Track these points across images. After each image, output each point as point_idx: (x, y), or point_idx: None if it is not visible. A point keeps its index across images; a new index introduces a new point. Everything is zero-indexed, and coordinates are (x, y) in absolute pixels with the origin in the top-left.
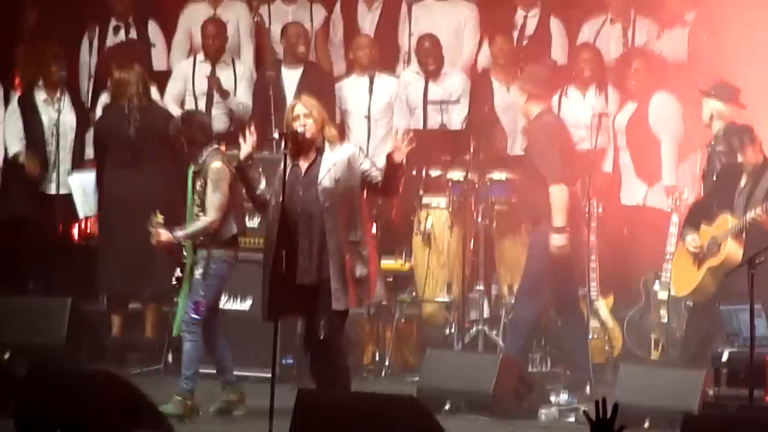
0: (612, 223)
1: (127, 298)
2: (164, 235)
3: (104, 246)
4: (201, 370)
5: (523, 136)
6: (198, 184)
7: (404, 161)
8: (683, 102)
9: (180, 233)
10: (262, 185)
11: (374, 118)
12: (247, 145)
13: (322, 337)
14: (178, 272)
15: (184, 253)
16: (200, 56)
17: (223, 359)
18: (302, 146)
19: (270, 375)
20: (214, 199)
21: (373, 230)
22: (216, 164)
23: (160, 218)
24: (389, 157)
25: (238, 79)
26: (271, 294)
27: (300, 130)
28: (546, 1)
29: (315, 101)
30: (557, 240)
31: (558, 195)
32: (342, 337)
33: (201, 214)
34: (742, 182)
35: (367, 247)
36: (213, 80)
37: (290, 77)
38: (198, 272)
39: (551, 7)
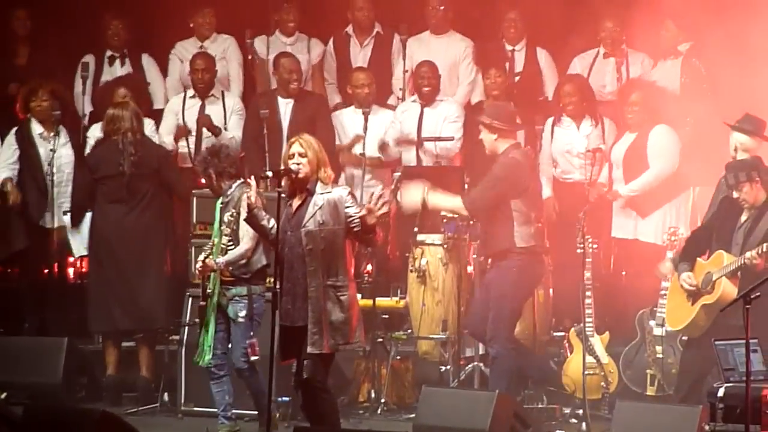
0: (606, 259)
1: (119, 336)
2: (208, 260)
3: (96, 283)
4: (198, 408)
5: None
6: (227, 215)
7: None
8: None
9: (221, 260)
10: (272, 224)
11: (368, 155)
12: (252, 190)
13: (305, 377)
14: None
15: (208, 285)
16: (190, 91)
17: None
18: (295, 185)
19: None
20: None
21: (369, 268)
22: (248, 189)
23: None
24: (362, 219)
25: (228, 113)
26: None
27: (293, 168)
28: (531, 35)
29: (314, 140)
30: None
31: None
32: (327, 377)
33: (231, 245)
34: (743, 218)
35: (347, 291)
36: (203, 119)
37: (286, 107)
38: (242, 314)
39: (537, 41)
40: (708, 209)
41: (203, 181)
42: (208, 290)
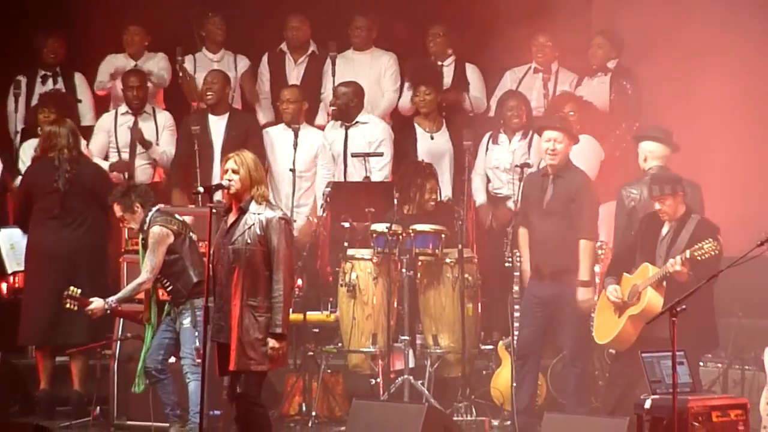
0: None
1: (52, 350)
2: (96, 307)
3: (29, 298)
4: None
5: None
6: (143, 239)
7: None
8: (603, 147)
9: (113, 300)
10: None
11: (299, 171)
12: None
13: (239, 392)
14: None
15: (150, 312)
16: (122, 108)
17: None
18: (229, 201)
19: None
20: (149, 261)
21: (299, 282)
22: (155, 229)
23: (76, 292)
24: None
25: (160, 129)
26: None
27: (224, 183)
28: (458, 50)
29: (250, 158)
30: None
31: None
32: (260, 391)
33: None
34: (664, 231)
35: (265, 314)
36: (136, 131)
37: (218, 125)
38: (186, 321)
39: (464, 55)
40: (615, 225)
41: (127, 222)
42: (147, 319)
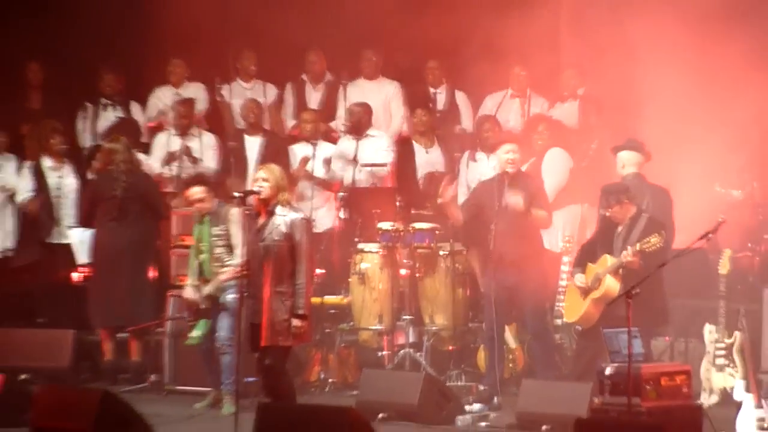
0: None
1: (115, 329)
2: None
3: (95, 287)
4: (180, 387)
5: None
6: (216, 229)
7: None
8: (574, 159)
9: (208, 290)
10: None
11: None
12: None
13: (268, 363)
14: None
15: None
16: (172, 130)
17: None
18: (259, 205)
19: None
20: (240, 240)
21: (318, 272)
22: (234, 210)
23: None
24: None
25: (204, 148)
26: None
27: (256, 189)
28: (450, 80)
29: (277, 170)
30: None
31: None
32: (285, 363)
33: (225, 253)
34: (619, 229)
35: (290, 298)
36: (185, 150)
37: (251, 144)
38: (231, 297)
39: (455, 84)
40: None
41: (200, 202)
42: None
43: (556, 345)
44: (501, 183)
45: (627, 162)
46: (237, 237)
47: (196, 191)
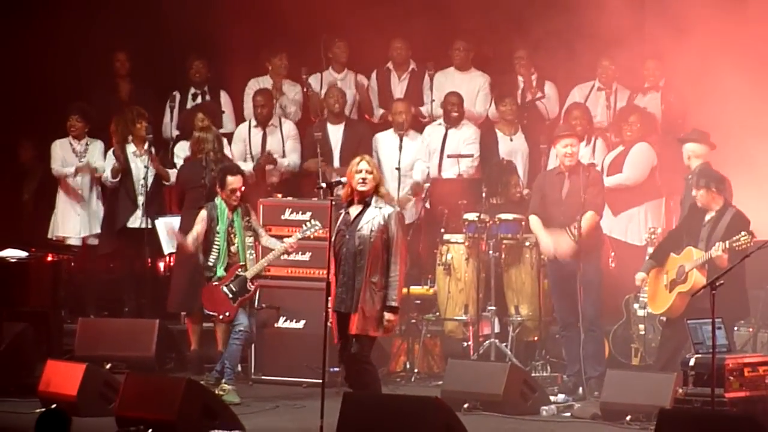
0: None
1: (200, 318)
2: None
3: (177, 273)
4: (265, 377)
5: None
6: (244, 222)
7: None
8: (658, 153)
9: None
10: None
11: (403, 171)
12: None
13: (352, 352)
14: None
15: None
16: (253, 121)
17: None
18: (359, 197)
19: (320, 381)
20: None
21: None
22: (247, 204)
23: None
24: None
25: (285, 138)
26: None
27: (358, 179)
28: (540, 69)
29: (376, 163)
30: None
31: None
32: (369, 353)
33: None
34: (706, 218)
35: (382, 290)
36: (265, 159)
37: (335, 132)
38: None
39: (545, 74)
40: (680, 206)
41: (239, 191)
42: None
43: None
44: (560, 175)
45: (692, 153)
46: (260, 227)
47: (236, 180)
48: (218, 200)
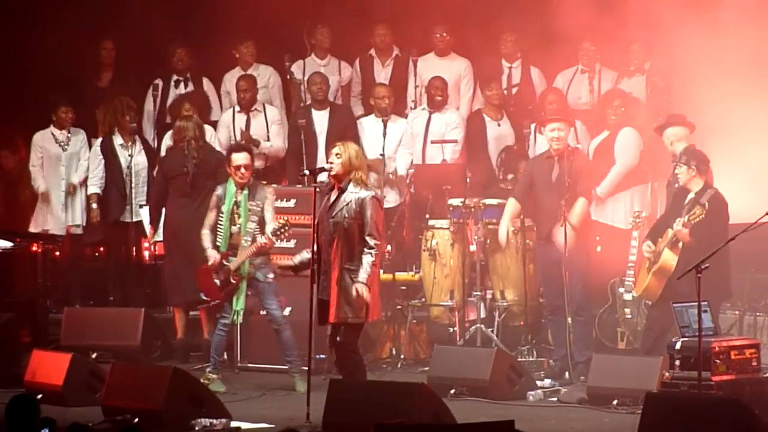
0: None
1: (187, 306)
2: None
3: (168, 264)
4: (251, 365)
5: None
6: (252, 203)
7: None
8: (643, 138)
9: (249, 252)
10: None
11: (387, 156)
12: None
13: (338, 341)
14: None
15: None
16: (237, 107)
17: None
18: (335, 182)
19: (307, 368)
20: (272, 217)
21: (389, 248)
22: (270, 189)
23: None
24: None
25: (270, 124)
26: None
27: (327, 166)
28: (525, 54)
29: (353, 148)
30: None
31: None
32: (356, 341)
33: (256, 228)
34: (687, 199)
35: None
36: (244, 134)
37: (319, 118)
38: (270, 276)
39: (530, 59)
40: (666, 188)
41: (245, 168)
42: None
43: (592, 324)
44: (549, 160)
45: (674, 138)
46: (270, 215)
47: (242, 157)
48: (230, 180)
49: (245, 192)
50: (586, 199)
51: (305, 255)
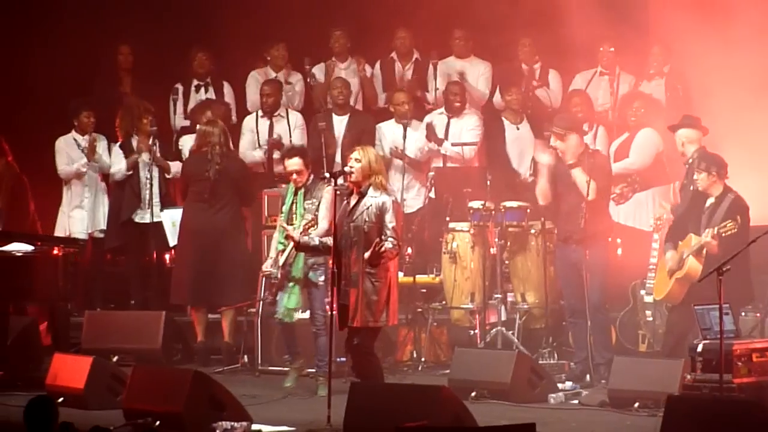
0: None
1: (206, 309)
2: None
3: (178, 265)
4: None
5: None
6: (308, 202)
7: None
8: (664, 139)
9: (314, 235)
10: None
11: (408, 159)
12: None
13: (355, 344)
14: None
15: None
16: (260, 112)
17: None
18: (354, 187)
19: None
20: (328, 214)
21: (409, 251)
22: (329, 188)
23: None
24: (369, 258)
25: (292, 128)
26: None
27: (347, 170)
28: (543, 57)
29: (372, 152)
30: None
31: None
32: (373, 344)
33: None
34: (707, 204)
35: (380, 279)
36: (272, 141)
37: (339, 123)
38: (321, 279)
39: (549, 62)
40: (680, 192)
41: (297, 174)
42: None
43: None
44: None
45: (686, 139)
46: (323, 212)
47: (294, 162)
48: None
49: (301, 192)
50: (600, 197)
51: (315, 240)
